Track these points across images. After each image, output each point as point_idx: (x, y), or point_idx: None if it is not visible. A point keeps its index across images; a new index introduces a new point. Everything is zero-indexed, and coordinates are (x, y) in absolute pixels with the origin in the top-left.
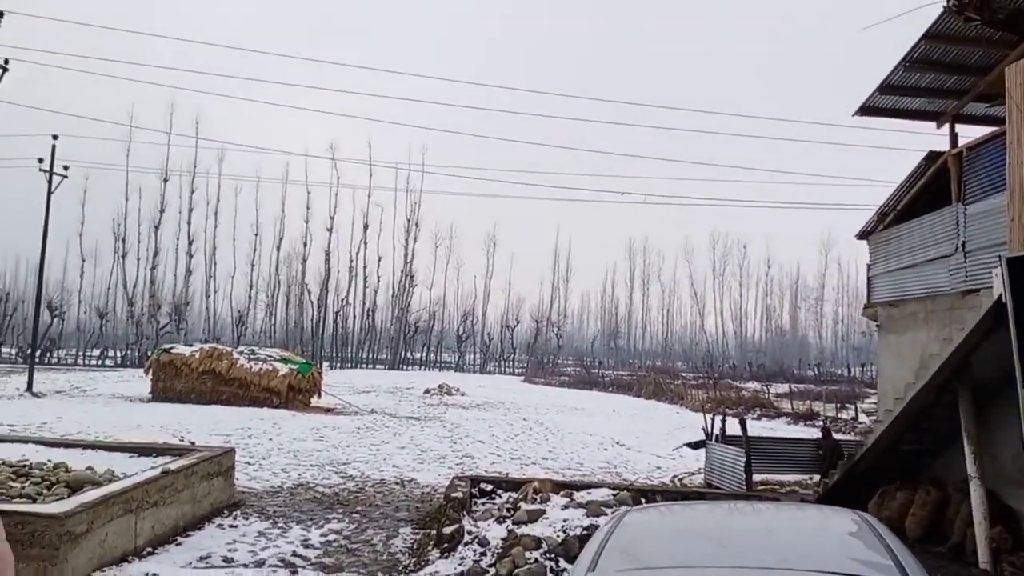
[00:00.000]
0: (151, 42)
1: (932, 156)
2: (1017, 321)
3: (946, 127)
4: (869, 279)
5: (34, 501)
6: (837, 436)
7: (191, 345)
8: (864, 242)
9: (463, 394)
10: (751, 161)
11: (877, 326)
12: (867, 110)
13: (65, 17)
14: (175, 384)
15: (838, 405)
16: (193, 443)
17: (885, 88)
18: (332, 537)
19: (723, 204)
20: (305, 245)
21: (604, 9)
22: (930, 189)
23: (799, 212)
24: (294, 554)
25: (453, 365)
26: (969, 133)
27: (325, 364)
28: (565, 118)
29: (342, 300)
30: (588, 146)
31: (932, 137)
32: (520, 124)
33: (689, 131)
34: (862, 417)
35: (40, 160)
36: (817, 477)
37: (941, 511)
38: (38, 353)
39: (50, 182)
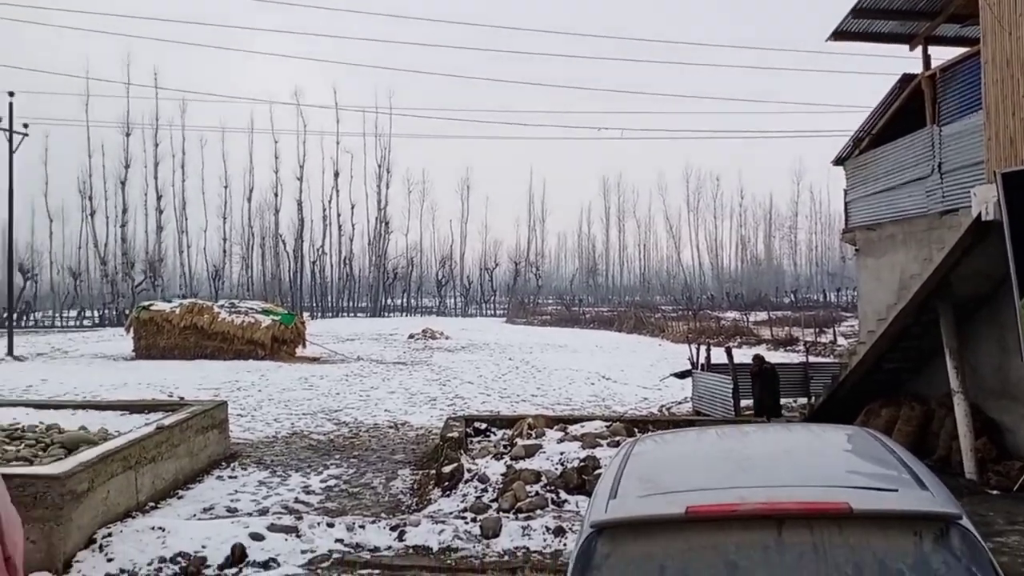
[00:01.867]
0: None
1: (906, 79)
2: (1014, 236)
3: (919, 49)
4: (846, 204)
5: (31, 463)
6: (816, 359)
7: (170, 301)
8: (839, 168)
9: (447, 337)
10: (724, 92)
11: (856, 250)
12: (840, 35)
13: None
14: (158, 341)
15: (816, 330)
16: (183, 398)
17: (858, 12)
18: (332, 482)
19: (697, 136)
20: (276, 195)
21: None
22: (905, 112)
23: (771, 142)
24: (296, 501)
25: (434, 310)
26: (941, 55)
27: (306, 314)
28: (537, 54)
29: (318, 249)
30: (561, 82)
31: (904, 61)
32: (491, 62)
33: (660, 63)
34: (840, 340)
35: None
36: (803, 400)
37: (925, 426)
38: (14, 316)
39: (11, 141)
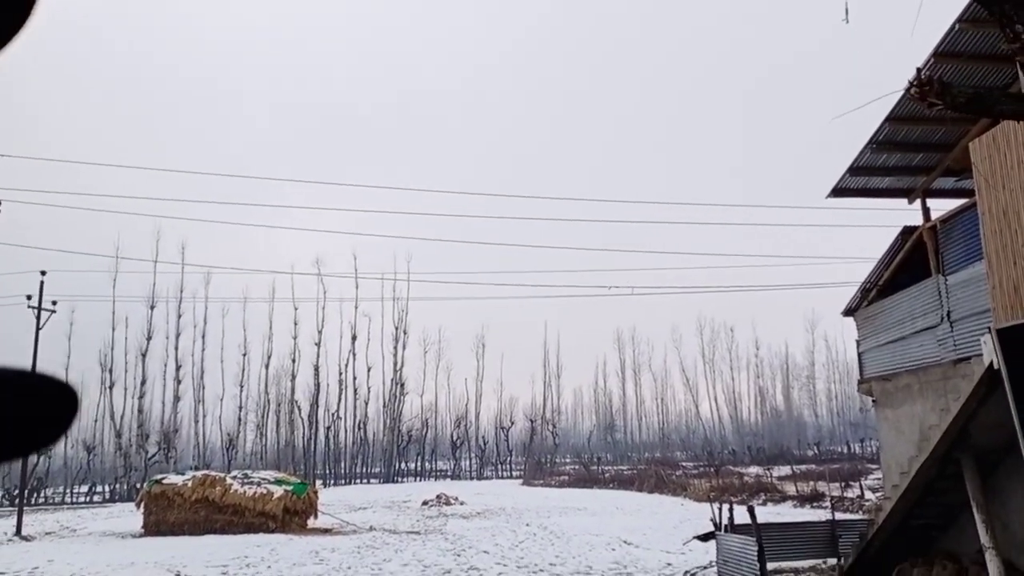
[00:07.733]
0: (135, 173)
1: (907, 231)
2: (1014, 389)
3: (918, 202)
4: (860, 355)
5: None
6: (844, 516)
7: (183, 474)
8: (850, 319)
9: (462, 503)
10: (732, 248)
11: (873, 401)
12: (840, 192)
13: (48, 155)
14: (168, 516)
15: (842, 484)
16: None
17: (855, 170)
18: None
19: (709, 291)
20: (294, 361)
21: (576, 114)
22: (909, 263)
23: (783, 293)
24: None
25: (449, 473)
26: (940, 206)
27: (319, 482)
28: (546, 219)
29: (332, 414)
30: (570, 243)
31: (905, 212)
32: (502, 227)
33: (666, 223)
34: (868, 494)
35: (28, 297)
36: (832, 561)
37: None
38: (26, 494)
39: (39, 319)
